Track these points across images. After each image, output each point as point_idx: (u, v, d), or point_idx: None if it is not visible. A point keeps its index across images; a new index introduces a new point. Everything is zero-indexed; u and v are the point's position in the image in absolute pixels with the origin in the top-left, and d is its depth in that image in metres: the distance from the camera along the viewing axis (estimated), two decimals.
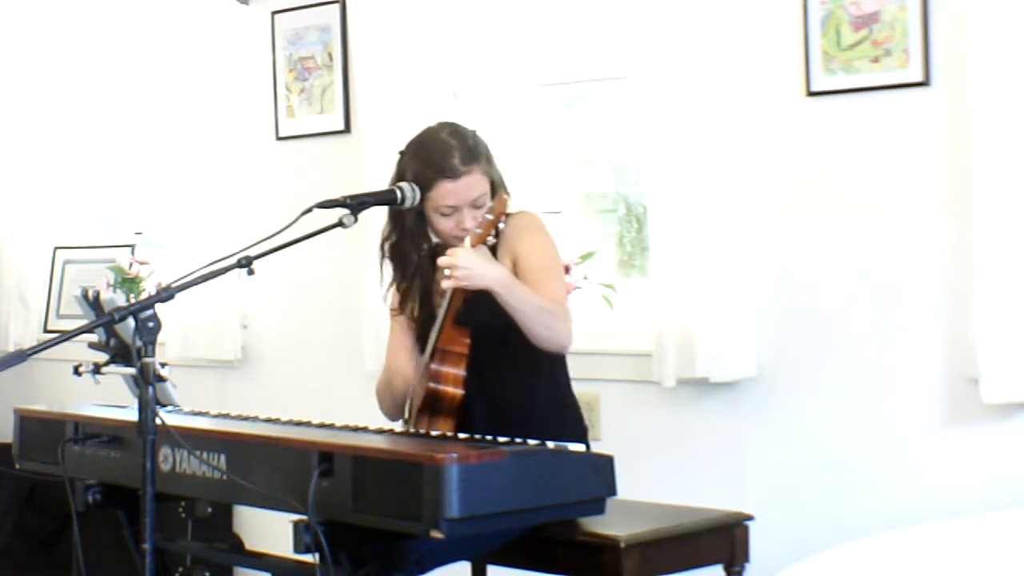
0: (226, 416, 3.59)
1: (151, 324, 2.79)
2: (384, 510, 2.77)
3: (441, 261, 3.16)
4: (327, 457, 2.86)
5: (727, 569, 3.39)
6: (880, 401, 3.84)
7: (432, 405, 3.28)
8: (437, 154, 3.33)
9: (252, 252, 3.02)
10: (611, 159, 4.63)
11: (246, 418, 3.49)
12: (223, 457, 3.10)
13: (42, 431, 3.68)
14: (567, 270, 4.37)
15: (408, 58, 4.61)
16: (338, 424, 3.32)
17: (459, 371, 3.29)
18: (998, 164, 3.54)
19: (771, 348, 4.00)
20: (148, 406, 2.77)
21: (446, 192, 3.31)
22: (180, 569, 3.76)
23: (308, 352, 5.06)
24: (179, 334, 5.17)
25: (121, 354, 3.47)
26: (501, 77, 4.69)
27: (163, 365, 2.90)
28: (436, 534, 2.67)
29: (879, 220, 3.84)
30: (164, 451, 3.22)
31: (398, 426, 3.51)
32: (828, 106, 3.91)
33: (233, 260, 3.00)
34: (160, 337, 2.85)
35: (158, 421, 2.79)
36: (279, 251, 3.13)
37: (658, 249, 4.08)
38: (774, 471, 4.01)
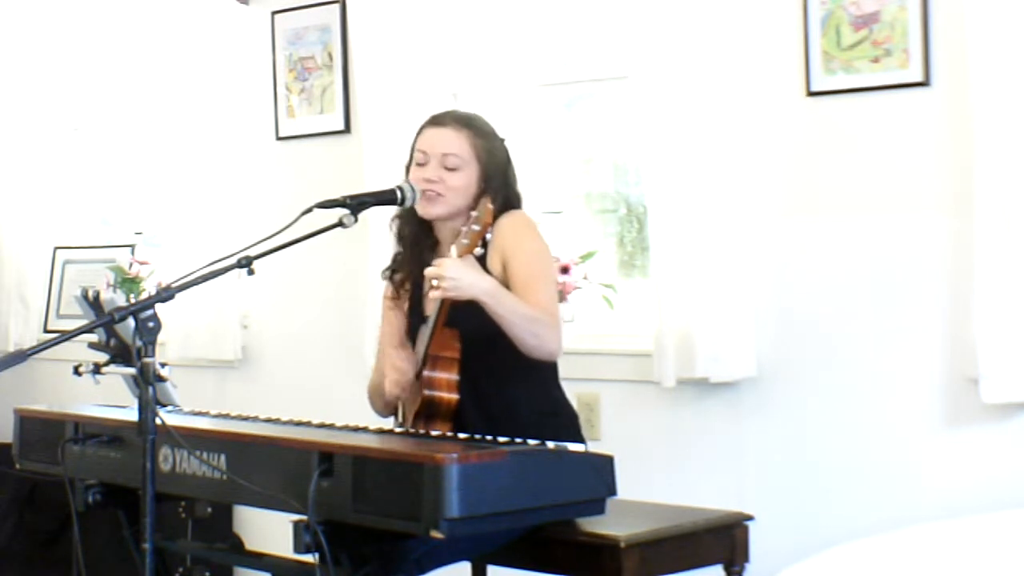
0: (226, 416, 3.59)
1: (151, 324, 2.79)
2: (384, 510, 2.77)
3: (428, 272, 3.15)
4: (327, 457, 2.86)
5: (727, 569, 3.39)
6: (880, 401, 3.84)
7: (428, 411, 3.28)
8: (439, 111, 3.48)
9: (252, 252, 3.02)
10: (611, 159, 4.63)
11: (246, 418, 3.49)
12: (223, 457, 3.10)
13: (42, 431, 3.68)
14: (567, 270, 4.37)
15: (408, 58, 4.61)
16: (338, 424, 3.32)
17: (452, 376, 3.29)
18: (998, 164, 3.54)
19: (771, 348, 4.00)
20: (148, 406, 2.77)
21: (423, 137, 3.43)
22: (180, 569, 3.76)
23: (308, 352, 5.06)
24: (179, 334, 5.17)
25: (121, 354, 3.47)
26: (501, 77, 4.69)
27: (163, 365, 2.90)
28: (436, 534, 2.67)
29: (879, 220, 3.84)
30: (164, 451, 3.22)
31: (391, 424, 3.51)
32: (828, 106, 3.91)
33: (233, 260, 3.00)
34: (160, 337, 2.85)
35: (158, 421, 2.79)
36: (279, 251, 3.13)
37: (658, 249, 4.08)
38: (774, 471, 4.01)
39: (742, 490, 3.99)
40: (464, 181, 3.37)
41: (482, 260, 3.24)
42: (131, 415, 3.15)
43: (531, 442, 2.94)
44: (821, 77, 3.90)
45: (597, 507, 2.95)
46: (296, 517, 2.87)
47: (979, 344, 3.57)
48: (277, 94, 5.11)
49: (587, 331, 4.40)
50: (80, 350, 3.55)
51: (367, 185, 4.40)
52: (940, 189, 3.74)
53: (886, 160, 3.82)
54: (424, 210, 3.40)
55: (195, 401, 3.90)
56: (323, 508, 2.83)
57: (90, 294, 3.56)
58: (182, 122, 5.22)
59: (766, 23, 4.00)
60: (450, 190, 3.36)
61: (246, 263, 3.00)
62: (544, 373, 3.39)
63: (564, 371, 3.44)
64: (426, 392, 3.27)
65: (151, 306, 2.81)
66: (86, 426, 3.53)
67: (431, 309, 3.30)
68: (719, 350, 3.98)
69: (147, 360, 2.77)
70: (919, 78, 3.74)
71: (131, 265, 5.56)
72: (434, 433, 3.21)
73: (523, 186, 3.52)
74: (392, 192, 3.34)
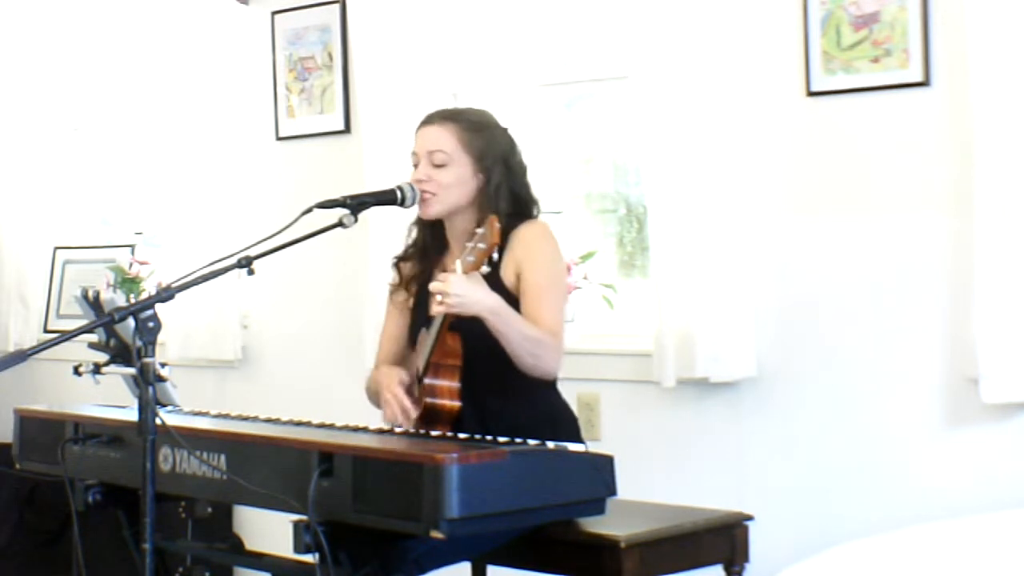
0: (226, 416, 3.59)
1: (151, 324, 2.79)
2: (384, 510, 2.77)
3: (433, 286, 3.14)
4: (327, 457, 2.86)
5: (727, 569, 3.39)
6: (880, 401, 3.84)
7: (429, 418, 3.27)
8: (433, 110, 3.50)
9: (252, 252, 3.02)
10: (611, 159, 4.63)
11: (246, 418, 3.49)
12: (223, 457, 3.10)
13: (42, 431, 3.68)
14: (567, 270, 4.36)
15: (408, 58, 4.61)
16: (338, 424, 3.31)
17: (454, 383, 3.28)
18: (998, 164, 3.54)
19: (771, 348, 4.00)
20: (148, 406, 2.77)
21: (415, 137, 3.43)
22: (180, 569, 3.76)
23: (308, 352, 5.06)
24: (179, 334, 5.17)
25: (121, 354, 3.47)
26: (501, 77, 4.69)
27: (163, 365, 2.90)
28: (436, 534, 2.67)
29: (879, 220, 3.84)
30: (164, 451, 3.22)
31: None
32: (828, 106, 3.91)
33: (233, 260, 3.00)
34: (160, 337, 2.85)
35: (158, 421, 2.79)
36: (279, 251, 3.13)
37: (658, 249, 4.08)
38: (774, 471, 4.01)
39: (742, 490, 3.99)
40: (453, 176, 3.36)
41: (496, 266, 3.20)
42: (131, 415, 3.15)
43: (531, 442, 2.94)
44: (821, 77, 3.90)
45: (597, 507, 2.95)
46: (296, 517, 2.87)
47: (979, 344, 3.57)
48: (277, 94, 5.11)
49: (587, 331, 4.40)
50: (80, 350, 3.55)
51: (367, 185, 4.40)
52: (940, 189, 3.74)
53: (886, 160, 3.82)
54: (421, 212, 3.40)
55: (195, 401, 3.90)
56: (323, 508, 2.83)
57: (90, 294, 3.56)
58: (182, 122, 5.22)
59: (766, 23, 4.00)
60: (441, 188, 3.35)
61: (246, 263, 3.00)
62: (544, 381, 3.38)
63: (564, 371, 3.43)
64: (428, 400, 3.26)
65: (151, 306, 2.81)
66: (86, 426, 3.53)
67: (435, 312, 3.30)
68: (719, 350, 3.98)
69: (147, 360, 2.77)
70: (919, 78, 3.74)
71: (131, 265, 5.56)
72: (434, 433, 3.20)
73: (532, 184, 3.51)
74: (392, 192, 3.34)
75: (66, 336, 2.87)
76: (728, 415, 4.09)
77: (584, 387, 4.23)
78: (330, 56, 4.94)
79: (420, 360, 3.34)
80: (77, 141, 6.01)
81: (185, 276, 2.99)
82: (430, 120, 3.44)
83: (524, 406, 3.35)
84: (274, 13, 5.10)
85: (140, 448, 2.80)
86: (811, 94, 3.92)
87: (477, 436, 3.11)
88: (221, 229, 5.08)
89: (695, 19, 3.98)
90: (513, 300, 3.28)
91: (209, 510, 3.50)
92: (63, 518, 4.90)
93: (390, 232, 4.40)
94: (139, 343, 2.78)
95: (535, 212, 3.46)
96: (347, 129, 4.92)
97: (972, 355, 3.59)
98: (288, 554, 3.04)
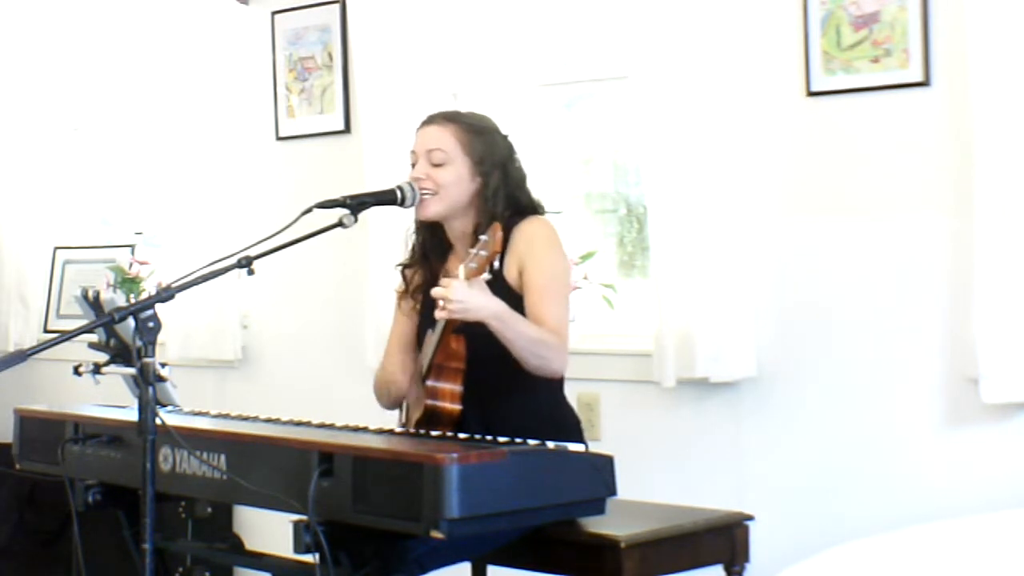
0: (226, 416, 3.59)
1: (151, 324, 2.79)
2: (384, 510, 2.77)
3: (435, 292, 3.14)
4: (327, 457, 2.86)
5: (727, 569, 3.39)
6: (880, 401, 3.84)
7: (430, 421, 3.27)
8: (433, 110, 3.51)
9: (252, 252, 3.02)
10: (611, 159, 4.63)
11: (246, 418, 3.49)
12: (223, 457, 3.10)
13: (42, 431, 3.68)
14: (570, 267, 4.37)
15: (408, 58, 4.61)
16: (338, 424, 3.32)
17: (456, 386, 3.27)
18: (998, 164, 3.54)
19: (771, 348, 4.00)
20: (148, 406, 2.77)
21: (415, 137, 3.43)
22: (180, 569, 3.76)
23: (308, 352, 5.06)
24: (179, 334, 5.17)
25: (121, 354, 3.47)
26: (501, 77, 4.69)
27: (163, 365, 2.90)
28: (436, 534, 2.67)
29: (879, 220, 3.84)
30: (164, 451, 3.22)
31: (392, 423, 3.51)
32: (828, 106, 3.91)
33: (233, 260, 3.00)
34: (160, 337, 2.85)
35: (158, 421, 2.79)
36: (279, 251, 3.13)
37: (658, 249, 4.08)
38: (774, 471, 4.01)
39: (742, 490, 3.99)
40: (452, 176, 3.36)
41: (499, 264, 3.20)
42: (131, 415, 3.15)
43: (531, 442, 2.94)
44: (821, 77, 3.90)
45: (597, 507, 2.95)
46: (296, 517, 2.87)
47: (979, 344, 3.56)
48: (277, 94, 5.11)
49: (587, 331, 4.40)
50: (80, 350, 3.55)
51: (367, 185, 4.40)
52: (940, 189, 3.74)
53: (886, 160, 3.82)
54: (418, 213, 3.40)
55: (195, 401, 3.90)
56: (323, 508, 2.83)
57: (90, 294, 3.56)
58: (182, 122, 5.22)
59: (766, 23, 4.00)
60: (439, 187, 3.35)
61: (246, 263, 3.00)
62: (548, 382, 3.38)
63: (563, 372, 3.43)
64: (429, 402, 3.26)
65: (151, 306, 2.81)
66: (86, 426, 3.53)
67: (439, 318, 3.29)
68: (719, 350, 3.98)
69: (147, 360, 2.77)
70: (919, 78, 3.74)
71: (131, 265, 5.56)
72: (434, 433, 3.20)
73: (533, 188, 3.51)
74: (392, 192, 3.34)
75: (66, 336, 2.87)
76: (728, 415, 4.09)
77: (584, 387, 4.23)
78: (330, 56, 4.94)
79: (423, 362, 3.34)
80: (77, 141, 6.01)
81: (185, 276, 2.99)
82: (430, 120, 3.44)
83: (528, 409, 3.35)
84: (274, 13, 5.10)
85: (140, 448, 2.80)
86: (811, 94, 3.92)
87: (478, 436, 3.11)
88: (221, 229, 5.08)
89: (695, 19, 3.98)
90: (517, 298, 3.28)
91: (209, 510, 3.50)
92: (63, 518, 4.91)
93: (390, 232, 4.40)
94: (139, 343, 2.78)
95: (540, 213, 3.46)
96: (347, 129, 4.92)
97: (972, 355, 3.59)
98: (288, 554, 3.04)
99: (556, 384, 3.42)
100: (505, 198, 3.38)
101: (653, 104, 4.05)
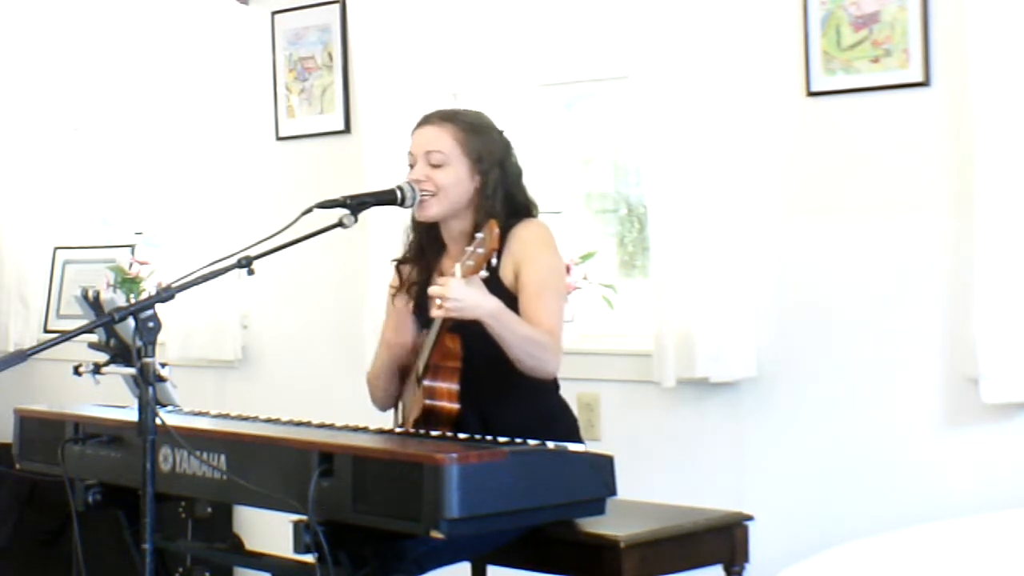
0: (226, 416, 3.59)
1: (151, 324, 2.79)
2: (384, 510, 2.77)
3: (432, 290, 3.14)
4: (327, 457, 2.86)
5: (727, 569, 3.39)
6: (880, 401, 3.84)
7: (428, 420, 3.27)
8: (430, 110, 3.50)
9: (252, 252, 3.02)
10: (611, 159, 4.63)
11: (246, 418, 3.49)
12: (223, 457, 3.10)
13: (42, 431, 3.68)
14: (567, 270, 4.37)
15: (408, 58, 4.61)
16: (338, 424, 3.32)
17: (453, 385, 3.27)
18: (998, 164, 3.54)
19: (771, 348, 4.00)
20: (148, 406, 2.77)
21: (412, 138, 3.43)
22: (180, 569, 3.76)
23: (308, 352, 5.06)
24: (179, 334, 5.17)
25: (121, 354, 3.46)
26: (501, 77, 4.69)
27: (163, 365, 2.90)
28: (436, 534, 2.67)
29: (879, 220, 3.84)
30: (164, 451, 3.22)
31: (391, 423, 3.51)
32: (828, 106, 3.91)
33: (233, 260, 3.00)
34: (160, 337, 2.85)
35: (158, 421, 2.79)
36: (279, 251, 3.13)
37: (658, 249, 4.08)
38: (774, 471, 4.01)
39: (742, 490, 3.99)
40: (451, 177, 3.36)
41: (495, 267, 3.20)
42: (131, 415, 3.15)
43: (531, 442, 2.94)
44: (821, 77, 3.90)
45: (597, 507, 2.95)
46: (296, 517, 2.87)
47: (979, 344, 3.57)
48: (277, 94, 5.11)
49: (587, 331, 4.40)
50: (80, 350, 3.55)
51: (367, 185, 4.40)
52: (940, 189, 3.74)
53: (886, 160, 3.82)
54: (418, 213, 3.40)
55: (195, 401, 3.90)
56: (323, 508, 2.83)
57: (90, 294, 3.55)
58: (182, 122, 5.22)
59: (766, 23, 4.00)
60: (439, 188, 3.35)
61: (246, 263, 3.00)
62: (544, 383, 3.38)
63: (564, 371, 3.43)
64: (427, 402, 3.26)
65: (151, 306, 2.81)
66: (86, 426, 3.53)
67: (435, 315, 3.29)
68: (719, 350, 3.98)
69: (147, 360, 2.77)
70: (919, 78, 3.74)
71: (131, 265, 5.56)
72: (434, 433, 3.20)
73: (528, 186, 3.51)
74: (392, 192, 3.34)
75: (66, 336, 2.87)
76: (728, 415, 4.09)
77: (584, 387, 4.23)
78: (330, 56, 4.94)
79: (419, 362, 3.34)
80: (77, 141, 6.01)
81: (185, 276, 2.99)
82: (427, 120, 3.44)
83: (525, 408, 3.35)
84: (274, 13, 5.10)
85: (140, 448, 2.80)
86: (811, 94, 3.92)
87: (477, 436, 3.11)
88: (221, 229, 5.08)
89: (695, 19, 3.98)
90: (512, 299, 3.28)
91: (209, 510, 3.50)
92: (63, 518, 4.90)
93: (390, 232, 4.40)
94: (139, 343, 2.78)
95: (534, 213, 3.46)
96: (347, 129, 4.92)
97: (972, 355, 3.59)
98: (288, 554, 3.04)
99: (552, 384, 3.42)
100: (504, 196, 3.38)
101: (653, 104, 4.05)
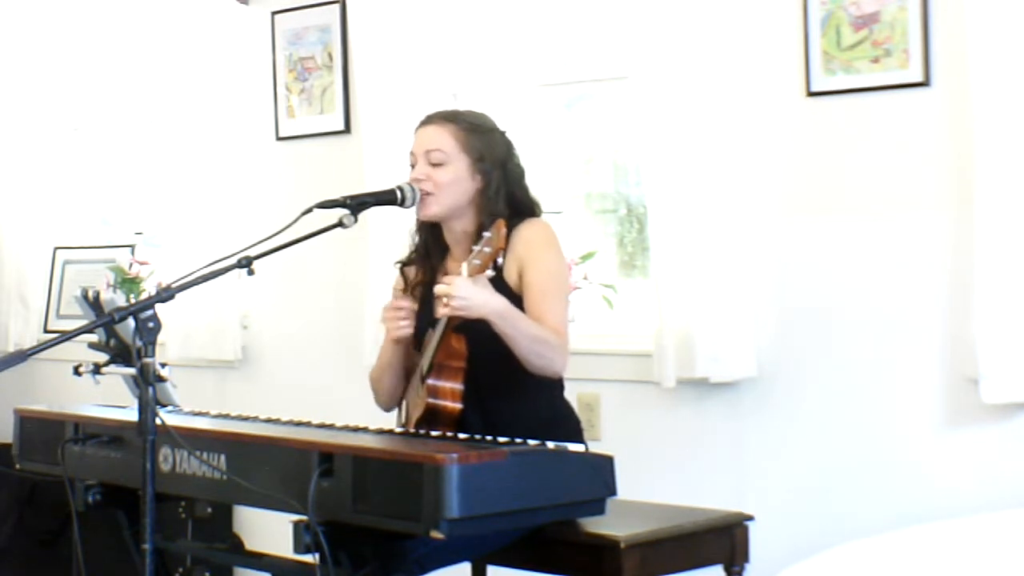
0: (226, 416, 3.59)
1: (151, 324, 2.79)
2: (384, 510, 2.77)
3: (438, 289, 3.14)
4: (327, 457, 2.86)
5: (727, 569, 3.39)
6: (880, 401, 3.84)
7: (431, 419, 3.27)
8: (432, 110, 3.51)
9: (252, 252, 3.02)
10: (611, 159, 4.63)
11: (246, 418, 3.49)
12: (223, 457, 3.10)
13: (42, 431, 3.68)
14: (568, 269, 4.37)
15: (408, 58, 4.61)
16: (338, 424, 3.32)
17: (456, 385, 3.27)
18: (998, 164, 3.54)
19: (771, 348, 4.00)
20: (148, 406, 2.77)
21: (414, 138, 3.43)
22: (180, 569, 3.76)
23: (308, 352, 5.06)
24: (179, 334, 5.17)
25: (121, 354, 3.47)
26: (501, 77, 4.69)
27: (163, 365, 2.90)
28: (436, 534, 2.67)
29: (879, 220, 3.84)
30: (164, 451, 3.23)
31: (392, 423, 3.51)
32: (828, 106, 3.91)
33: (233, 260, 3.00)
34: (160, 337, 2.85)
35: (158, 421, 2.79)
36: (279, 251, 3.13)
37: (658, 249, 4.08)
38: (774, 471, 4.01)
39: (742, 490, 3.99)
40: (451, 176, 3.36)
41: (499, 267, 3.19)
42: (131, 415, 3.15)
43: (531, 442, 2.94)
44: (821, 77, 3.90)
45: (597, 507, 2.95)
46: (296, 517, 2.87)
47: (979, 344, 3.56)
48: (277, 94, 5.11)
49: (587, 331, 4.40)
50: (80, 350, 3.55)
51: (367, 185, 4.40)
52: (940, 189, 3.74)
53: (886, 160, 3.82)
54: (418, 213, 3.40)
55: (195, 401, 3.90)
56: (323, 508, 2.83)
57: (90, 294, 3.56)
58: (182, 122, 5.22)
59: (766, 23, 4.00)
60: (439, 187, 3.35)
61: (246, 263, 3.00)
62: (549, 382, 3.38)
63: (565, 371, 3.43)
64: (430, 400, 3.26)
65: (151, 306, 2.81)
66: (86, 426, 3.53)
67: (441, 314, 3.29)
68: (719, 350, 3.98)
69: (147, 360, 2.77)
70: (919, 78, 3.74)
71: (131, 265, 5.56)
72: (434, 433, 3.20)
73: (531, 186, 3.51)
74: (392, 192, 3.34)
75: (66, 336, 2.87)
76: (728, 415, 4.09)
77: (584, 387, 4.23)
78: (330, 56, 4.94)
79: (424, 361, 3.35)
80: (77, 141, 6.01)
81: (185, 276, 2.99)
82: (429, 120, 3.44)
83: (529, 408, 3.35)
84: (274, 13, 5.10)
85: (140, 448, 2.80)
86: (811, 94, 3.92)
87: (478, 436, 3.11)
88: (221, 229, 5.08)
89: (695, 19, 3.98)
90: (516, 299, 3.28)
91: (209, 510, 3.50)
92: (63, 518, 4.91)
93: (390, 232, 4.40)
94: (139, 343, 2.78)
95: (538, 213, 3.46)
96: (347, 129, 4.92)
97: (972, 355, 3.59)
98: (288, 554, 3.04)
99: (556, 384, 3.42)
100: (506, 196, 3.38)
101: (653, 104, 4.05)
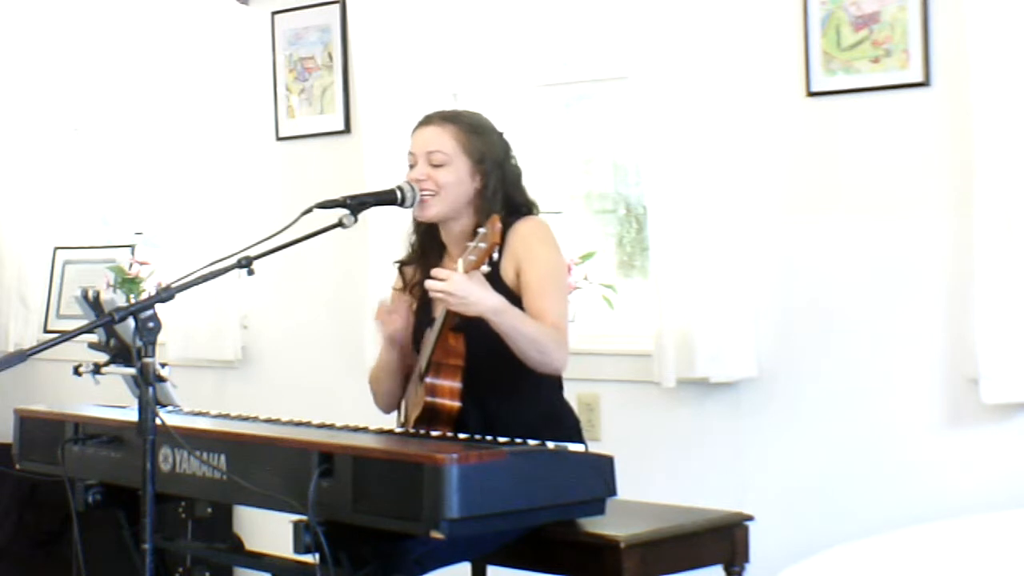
0: (226, 416, 3.59)
1: (151, 324, 2.79)
2: (384, 510, 2.77)
3: (429, 284, 3.14)
4: (327, 457, 2.86)
5: (727, 569, 3.39)
6: (880, 401, 3.84)
7: (430, 418, 3.27)
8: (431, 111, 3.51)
9: (252, 252, 3.02)
10: (611, 159, 4.63)
11: (246, 418, 3.49)
12: (223, 457, 3.10)
13: (42, 431, 3.68)
14: (567, 270, 4.36)
15: (408, 58, 4.61)
16: (338, 424, 3.32)
17: (455, 383, 3.27)
18: (998, 164, 3.54)
19: (771, 348, 4.00)
20: (148, 406, 2.77)
21: (412, 138, 3.43)
22: (180, 569, 3.76)
23: (308, 352, 5.06)
24: (179, 334, 5.17)
25: (121, 354, 3.47)
26: (501, 77, 4.69)
27: (163, 365, 2.90)
28: (436, 534, 2.67)
29: (879, 220, 3.84)
30: (164, 451, 3.22)
31: (392, 423, 3.51)
32: (828, 106, 3.91)
33: (233, 260, 3.00)
34: (160, 337, 2.85)
35: (158, 421, 2.79)
36: (279, 251, 3.13)
37: (658, 249, 4.08)
38: (774, 471, 4.01)
39: (742, 490, 3.99)
40: (452, 177, 3.36)
41: (496, 264, 3.20)
42: (131, 415, 3.15)
43: (531, 442, 2.94)
44: (821, 77, 3.90)
45: (597, 507, 2.95)
46: (296, 517, 2.87)
47: (979, 344, 3.56)
48: (277, 94, 5.11)
49: (587, 331, 4.40)
50: (80, 350, 3.55)
51: (367, 185, 4.40)
52: (940, 189, 3.74)
53: (886, 160, 3.82)
54: (418, 213, 3.40)
55: (195, 401, 3.90)
56: (323, 508, 2.83)
57: (90, 294, 3.56)
58: (182, 122, 5.22)
59: (766, 23, 4.00)
60: (440, 188, 3.35)
61: (246, 263, 3.00)
62: (547, 381, 3.38)
63: (564, 371, 3.43)
64: (428, 399, 3.26)
65: (151, 306, 2.81)
66: (86, 426, 3.53)
67: (438, 313, 3.29)
68: (719, 350, 3.98)
69: (147, 360, 2.77)
70: (919, 78, 3.74)
71: (131, 265, 5.56)
72: (434, 433, 3.20)
73: (527, 186, 3.51)
74: (392, 192, 3.34)
75: (66, 336, 2.87)
76: (728, 415, 4.09)
77: (584, 387, 4.23)
78: (330, 56, 4.94)
79: (422, 359, 3.35)
80: (77, 141, 6.01)
81: (185, 276, 2.99)
82: (428, 121, 3.44)
83: (527, 407, 3.35)
84: (274, 13, 5.10)
85: (140, 448, 2.80)
86: (811, 94, 3.92)
87: (477, 436, 3.11)
88: (221, 229, 5.08)
89: (695, 19, 3.98)
90: (514, 298, 3.28)
91: (209, 510, 3.50)
92: (63, 518, 4.90)
93: (390, 232, 4.40)
94: (139, 343, 2.78)
95: (534, 213, 3.46)
96: (347, 129, 4.92)
97: (972, 355, 3.59)
98: (288, 554, 3.04)
99: (555, 383, 3.42)
100: (504, 197, 3.38)
101: (653, 104, 4.05)
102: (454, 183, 3.36)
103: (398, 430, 3.40)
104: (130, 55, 5.66)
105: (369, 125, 4.69)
